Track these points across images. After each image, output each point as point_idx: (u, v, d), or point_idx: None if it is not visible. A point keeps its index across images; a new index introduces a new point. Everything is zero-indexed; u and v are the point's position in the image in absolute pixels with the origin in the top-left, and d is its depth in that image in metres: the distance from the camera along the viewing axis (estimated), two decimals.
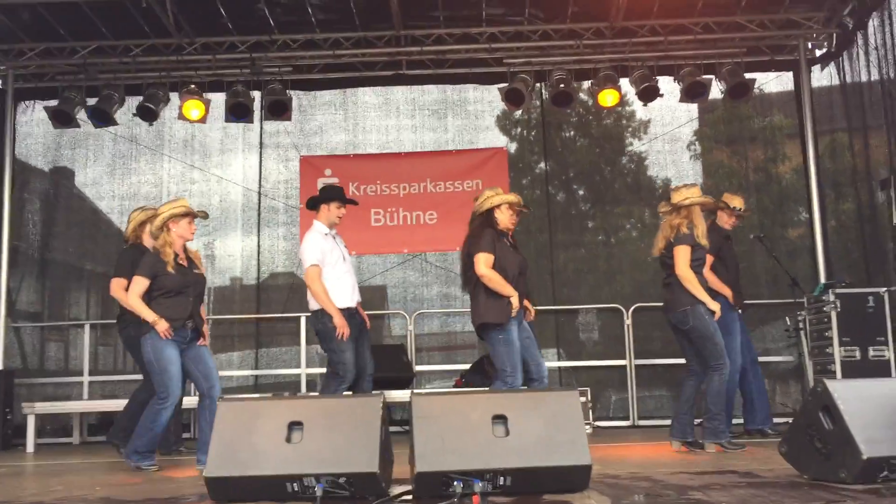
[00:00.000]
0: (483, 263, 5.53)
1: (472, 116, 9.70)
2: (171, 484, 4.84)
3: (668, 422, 8.51)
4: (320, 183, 9.47)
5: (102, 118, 8.96)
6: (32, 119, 9.61)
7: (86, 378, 8.96)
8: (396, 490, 3.80)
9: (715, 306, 5.66)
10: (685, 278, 5.64)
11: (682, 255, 5.66)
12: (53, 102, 8.97)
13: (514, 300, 5.51)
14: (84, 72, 9.03)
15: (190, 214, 5.58)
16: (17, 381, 8.68)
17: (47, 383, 9.33)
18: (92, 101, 8.92)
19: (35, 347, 9.63)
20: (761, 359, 8.86)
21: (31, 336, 9.57)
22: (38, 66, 9.15)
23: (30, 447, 7.64)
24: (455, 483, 3.59)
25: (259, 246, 9.55)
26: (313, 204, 6.29)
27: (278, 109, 9.02)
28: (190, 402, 7.11)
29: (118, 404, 8.51)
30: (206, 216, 5.87)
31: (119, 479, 5.11)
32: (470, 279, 5.69)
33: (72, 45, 8.91)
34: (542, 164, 9.94)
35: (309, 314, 6.32)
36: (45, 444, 8.22)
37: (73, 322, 9.69)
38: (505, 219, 5.70)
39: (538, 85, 9.32)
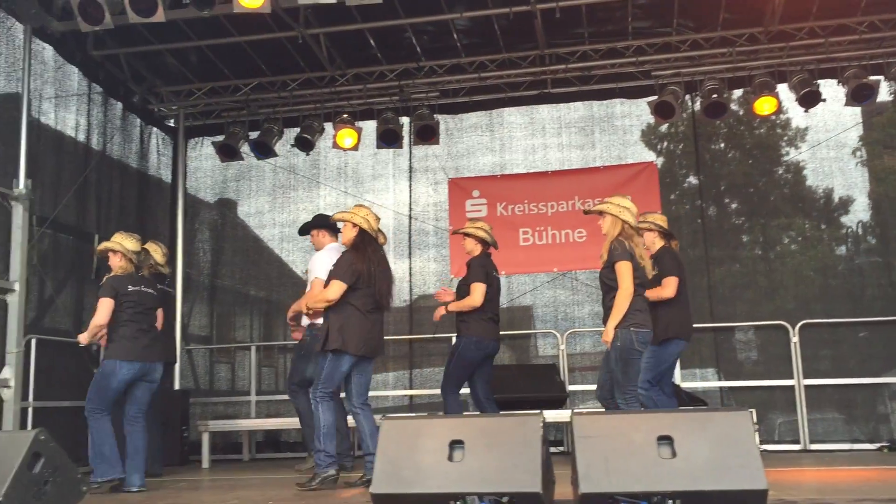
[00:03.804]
0: None
1: (619, 132, 9.54)
2: (337, 500, 4.99)
3: (842, 446, 8.10)
4: (468, 205, 9.64)
5: (264, 150, 9.48)
6: (201, 154, 10.29)
7: (253, 397, 9.42)
8: None
9: None
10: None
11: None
12: (220, 138, 9.58)
13: None
14: (246, 107, 9.60)
15: None
16: (192, 401, 9.24)
17: (218, 402, 9.87)
18: (254, 135, 9.46)
19: (206, 369, 10.24)
20: None
21: (204, 358, 10.19)
22: (205, 105, 9.80)
23: (205, 463, 8.10)
24: None
25: (411, 268, 9.75)
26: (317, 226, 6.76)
27: (426, 134, 9.23)
28: None
29: (283, 422, 8.94)
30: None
31: (289, 495, 5.32)
32: None
33: (235, 83, 9.49)
34: (692, 178, 9.64)
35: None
36: (218, 460, 8.67)
37: (239, 344, 10.22)
38: None
39: (686, 97, 9.08)
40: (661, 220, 6.42)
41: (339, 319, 5.55)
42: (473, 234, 6.59)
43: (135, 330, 5.90)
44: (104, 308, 5.82)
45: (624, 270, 5.39)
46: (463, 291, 6.49)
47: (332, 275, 5.58)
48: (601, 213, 5.64)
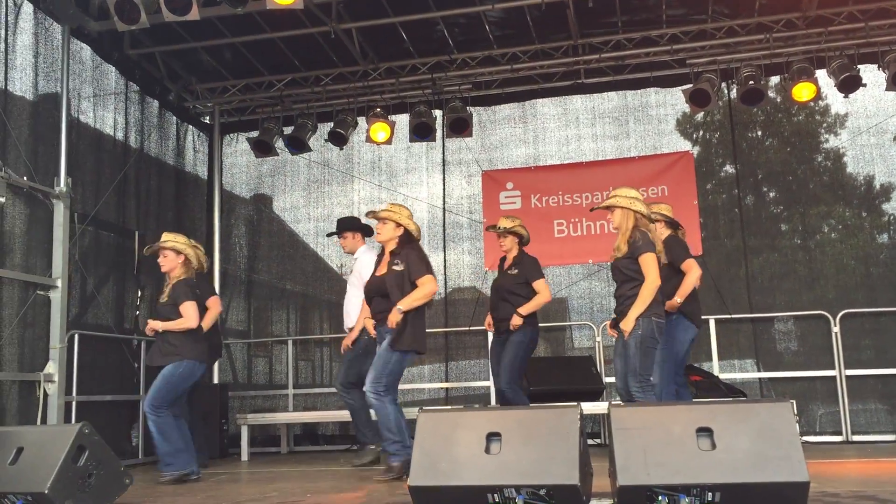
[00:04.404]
0: None
1: (654, 121, 9.45)
2: (377, 493, 5.02)
3: (885, 437, 7.97)
4: (502, 197, 9.62)
5: (298, 146, 9.54)
6: (236, 150, 10.38)
7: (290, 391, 9.50)
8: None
9: None
10: None
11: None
12: (254, 134, 9.64)
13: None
14: (280, 103, 9.66)
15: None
16: (230, 394, 9.36)
17: (256, 396, 9.98)
18: (288, 131, 9.52)
19: (244, 363, 10.36)
20: None
21: (242, 352, 10.31)
22: (239, 101, 9.87)
23: (244, 456, 8.18)
24: (660, 497, 3.48)
25: (445, 261, 9.76)
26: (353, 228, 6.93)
27: (459, 126, 9.21)
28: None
29: (320, 416, 9.04)
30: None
31: (327, 487, 5.37)
32: None
33: (269, 79, 9.55)
34: (729, 167, 9.52)
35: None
36: (256, 452, 8.77)
37: (276, 338, 10.31)
38: None
39: (722, 84, 8.96)
40: (665, 209, 6.41)
41: (411, 319, 5.61)
42: (518, 231, 6.62)
43: (200, 333, 6.06)
44: (194, 311, 5.92)
45: (650, 262, 5.36)
46: (520, 290, 6.63)
47: (417, 273, 5.58)
48: (609, 208, 5.56)
